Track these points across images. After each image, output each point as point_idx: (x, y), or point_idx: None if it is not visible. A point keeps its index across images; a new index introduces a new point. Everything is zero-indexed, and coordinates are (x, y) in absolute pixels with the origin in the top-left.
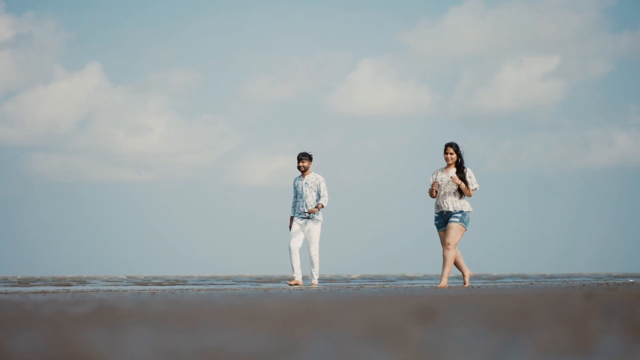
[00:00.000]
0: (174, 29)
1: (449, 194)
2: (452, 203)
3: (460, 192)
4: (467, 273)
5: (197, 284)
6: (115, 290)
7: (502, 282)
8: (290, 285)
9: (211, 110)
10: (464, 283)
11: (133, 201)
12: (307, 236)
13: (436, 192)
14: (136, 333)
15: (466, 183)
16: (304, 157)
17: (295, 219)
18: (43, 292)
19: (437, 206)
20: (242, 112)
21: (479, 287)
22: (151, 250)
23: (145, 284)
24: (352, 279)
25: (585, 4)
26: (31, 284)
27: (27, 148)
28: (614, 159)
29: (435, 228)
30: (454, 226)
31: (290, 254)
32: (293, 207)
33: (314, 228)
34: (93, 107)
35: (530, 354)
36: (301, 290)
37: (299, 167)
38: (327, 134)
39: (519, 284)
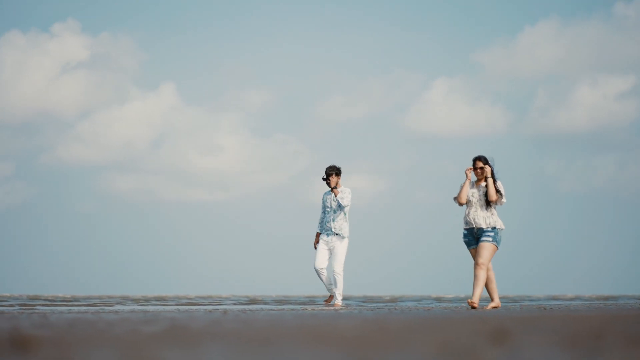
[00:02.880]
0: (248, 49)
1: (481, 209)
2: (484, 219)
3: (490, 205)
4: (495, 304)
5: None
6: (187, 310)
7: (617, 302)
8: (326, 302)
9: (284, 130)
10: (488, 306)
11: (206, 220)
12: (332, 252)
13: (466, 203)
14: (209, 352)
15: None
16: (333, 171)
17: (321, 235)
18: (116, 311)
19: (467, 222)
20: (315, 132)
21: (551, 308)
22: (226, 268)
23: (253, 302)
24: (447, 299)
25: None
26: (146, 303)
27: (102, 167)
28: None
29: (465, 245)
30: (487, 245)
31: (317, 275)
32: (320, 222)
33: (340, 245)
34: (167, 127)
35: None
36: (372, 310)
37: (328, 183)
38: (400, 153)
39: (612, 305)
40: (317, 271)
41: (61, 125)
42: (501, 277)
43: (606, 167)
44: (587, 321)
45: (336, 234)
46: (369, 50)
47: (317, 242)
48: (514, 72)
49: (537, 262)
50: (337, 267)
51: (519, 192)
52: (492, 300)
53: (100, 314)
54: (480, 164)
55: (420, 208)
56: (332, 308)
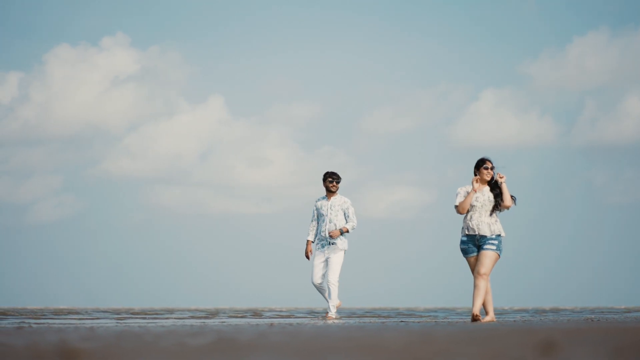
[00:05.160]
0: (295, 63)
1: (485, 214)
2: (488, 226)
3: (494, 212)
4: (490, 317)
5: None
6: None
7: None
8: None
9: (331, 142)
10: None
11: (253, 233)
12: (328, 262)
13: (467, 209)
14: None
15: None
16: (337, 177)
17: (315, 246)
18: (162, 325)
19: (469, 228)
20: (363, 144)
21: (598, 320)
22: (274, 281)
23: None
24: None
25: None
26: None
27: (150, 180)
28: None
29: (461, 253)
30: (490, 254)
31: (316, 290)
32: (315, 232)
33: (336, 255)
34: (215, 140)
35: None
36: (419, 323)
37: (330, 188)
38: (447, 165)
39: None
40: (315, 287)
41: (109, 138)
42: (552, 288)
43: None
44: (635, 333)
45: (332, 244)
46: (415, 62)
47: (309, 250)
48: (562, 83)
49: (585, 273)
50: (332, 276)
51: (567, 204)
52: (487, 313)
53: (147, 327)
54: (491, 165)
55: None
56: (326, 320)
